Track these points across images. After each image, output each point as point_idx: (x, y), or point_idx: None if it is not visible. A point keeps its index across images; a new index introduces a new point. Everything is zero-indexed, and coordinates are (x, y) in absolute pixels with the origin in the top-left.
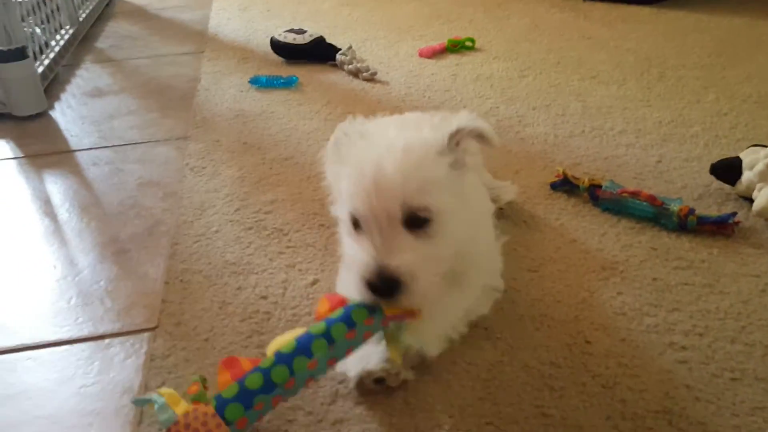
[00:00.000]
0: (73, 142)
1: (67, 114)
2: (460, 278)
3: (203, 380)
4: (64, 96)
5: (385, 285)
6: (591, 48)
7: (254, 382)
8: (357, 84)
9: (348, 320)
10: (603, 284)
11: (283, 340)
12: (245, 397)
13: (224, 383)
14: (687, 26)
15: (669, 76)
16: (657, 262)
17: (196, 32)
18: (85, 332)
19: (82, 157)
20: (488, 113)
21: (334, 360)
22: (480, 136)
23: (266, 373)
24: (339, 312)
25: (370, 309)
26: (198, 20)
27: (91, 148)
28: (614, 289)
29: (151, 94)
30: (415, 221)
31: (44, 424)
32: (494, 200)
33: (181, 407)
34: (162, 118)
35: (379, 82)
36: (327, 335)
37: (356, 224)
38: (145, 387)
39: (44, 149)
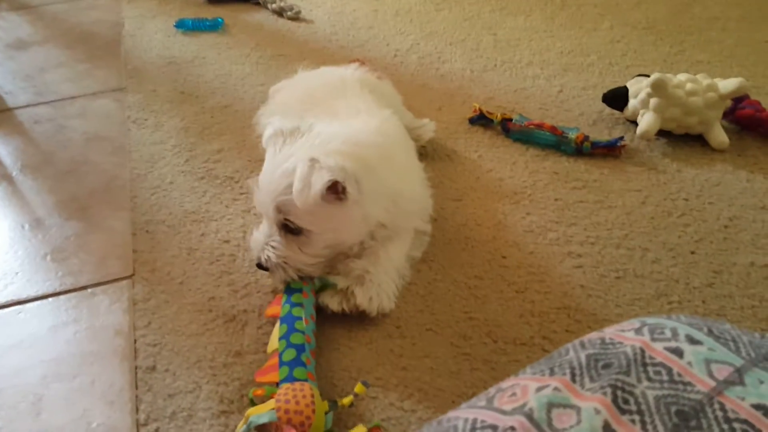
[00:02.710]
0: (9, 100)
1: None
2: (394, 229)
3: (268, 389)
4: None
5: (260, 267)
6: None
7: (290, 354)
8: (282, 24)
9: (293, 290)
10: (515, 207)
11: (274, 335)
12: (295, 363)
13: (272, 375)
14: None
15: (570, 4)
16: (558, 184)
17: None
18: (68, 284)
19: (22, 116)
20: (410, 50)
21: (311, 316)
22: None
23: (290, 345)
24: (285, 304)
25: (298, 291)
26: None
27: (28, 105)
28: (524, 210)
29: (77, 43)
30: (287, 228)
31: (50, 366)
32: (416, 139)
33: (269, 405)
34: (94, 69)
35: (304, 20)
36: (293, 304)
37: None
38: (134, 327)
39: None
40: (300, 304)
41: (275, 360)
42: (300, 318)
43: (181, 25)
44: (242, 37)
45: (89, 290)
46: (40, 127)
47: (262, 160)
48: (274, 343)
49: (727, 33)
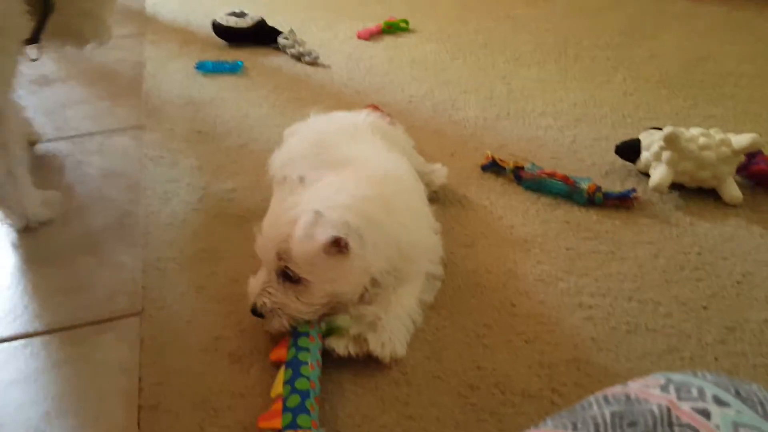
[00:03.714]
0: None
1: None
2: (403, 274)
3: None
4: None
5: (255, 313)
6: (515, 28)
7: (294, 400)
8: (300, 68)
9: (300, 333)
10: (526, 255)
11: (278, 378)
12: (299, 410)
13: (275, 421)
14: (602, 3)
15: (583, 57)
16: (570, 234)
17: (134, 12)
18: (76, 320)
19: (42, 150)
20: (424, 97)
21: (317, 362)
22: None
23: (295, 391)
24: (291, 339)
25: (303, 335)
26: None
27: (48, 140)
28: (535, 258)
29: (99, 81)
30: (286, 275)
31: (53, 402)
32: (428, 184)
33: None
34: (114, 107)
35: (322, 65)
36: (299, 348)
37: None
38: (140, 365)
39: None
40: (306, 349)
41: (279, 405)
42: (306, 363)
43: (201, 66)
44: (261, 80)
45: (97, 326)
46: (58, 162)
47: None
48: (278, 387)
49: (740, 88)
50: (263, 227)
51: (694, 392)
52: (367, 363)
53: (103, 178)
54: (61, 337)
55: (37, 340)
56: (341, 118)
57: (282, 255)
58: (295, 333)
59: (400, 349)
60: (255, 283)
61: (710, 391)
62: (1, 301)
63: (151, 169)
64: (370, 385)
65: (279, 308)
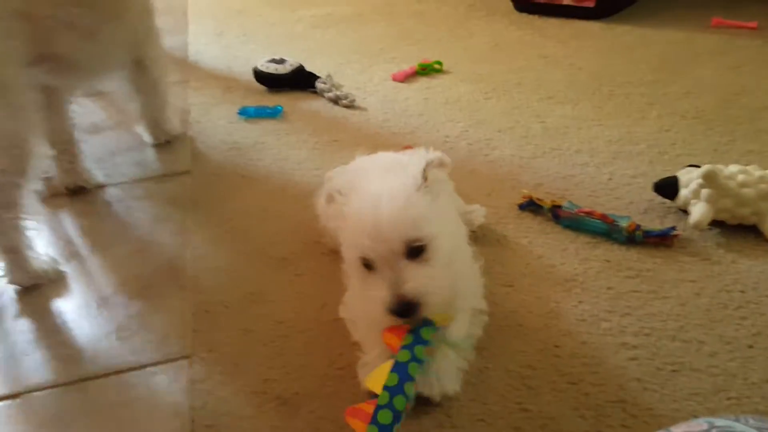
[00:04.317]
0: None
1: None
2: (452, 310)
3: None
4: None
5: (406, 308)
6: (547, 67)
7: (386, 417)
8: (338, 111)
9: (421, 340)
10: (566, 295)
11: (381, 374)
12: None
13: (361, 429)
14: (633, 41)
15: (617, 94)
16: (610, 272)
17: (178, 60)
18: (130, 363)
19: (93, 196)
20: (459, 137)
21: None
22: (440, 164)
23: (391, 407)
24: (409, 338)
25: (429, 325)
26: (177, 47)
27: (100, 186)
28: (576, 298)
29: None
30: (414, 251)
31: None
32: (467, 224)
33: None
34: (161, 153)
35: (358, 108)
36: (415, 359)
37: (367, 265)
38: (191, 408)
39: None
40: (420, 361)
41: (370, 408)
42: (413, 380)
43: (243, 112)
44: (300, 124)
45: (150, 369)
46: (109, 208)
47: (316, 243)
48: (377, 384)
49: None
50: (376, 230)
51: None
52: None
53: (152, 223)
54: (116, 380)
55: (94, 383)
56: (385, 157)
57: (410, 231)
58: (416, 336)
59: (451, 387)
60: (382, 286)
61: None
62: (59, 344)
63: (197, 214)
64: (414, 428)
65: (428, 285)
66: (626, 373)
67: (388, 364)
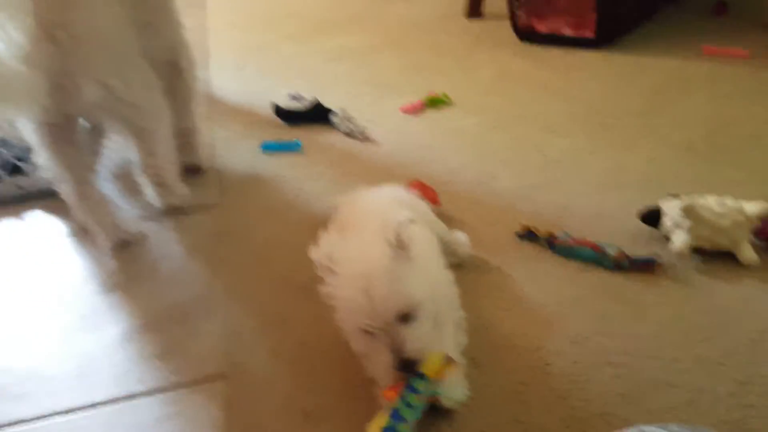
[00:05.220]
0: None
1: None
2: (437, 325)
3: None
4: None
5: (408, 366)
6: (548, 98)
7: None
8: (351, 143)
9: (413, 389)
10: (559, 317)
11: (379, 421)
12: None
13: None
14: (630, 70)
15: (612, 124)
16: (598, 297)
17: (203, 96)
18: (171, 382)
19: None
20: (464, 168)
21: (415, 422)
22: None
23: None
24: (404, 390)
25: (422, 377)
26: (201, 81)
27: (136, 219)
28: (567, 321)
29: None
30: (405, 317)
31: None
32: (452, 256)
33: None
34: (191, 187)
35: (370, 141)
36: (408, 405)
37: (366, 333)
38: (226, 424)
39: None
40: (412, 407)
41: None
42: (406, 421)
43: (265, 146)
44: (317, 157)
45: (189, 388)
46: (145, 243)
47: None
48: (375, 429)
49: (761, 152)
50: (370, 306)
51: None
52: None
53: (185, 254)
54: (161, 398)
55: (140, 401)
56: (369, 207)
57: (398, 307)
58: (409, 386)
59: (462, 394)
60: (385, 350)
61: None
62: (109, 366)
63: (226, 245)
64: None
65: (424, 343)
66: (610, 389)
67: (384, 413)
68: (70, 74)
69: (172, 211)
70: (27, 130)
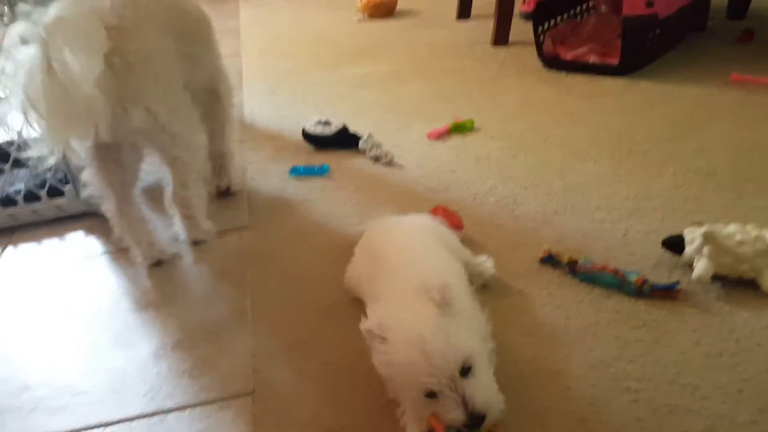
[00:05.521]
0: None
1: None
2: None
3: None
4: None
5: (478, 422)
6: (572, 124)
7: None
8: (378, 169)
9: None
10: (580, 342)
11: None
12: None
13: None
14: (654, 97)
15: (636, 151)
16: (619, 323)
17: (237, 120)
18: (201, 399)
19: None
20: (488, 193)
21: None
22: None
23: None
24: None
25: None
26: (234, 107)
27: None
28: (588, 346)
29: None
30: (465, 370)
31: None
32: (478, 276)
33: None
34: (222, 209)
35: (397, 165)
36: None
37: (429, 395)
38: None
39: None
40: None
41: None
42: None
43: (294, 171)
44: (344, 181)
45: (218, 404)
46: (178, 263)
47: (354, 299)
48: None
49: None
50: (429, 371)
51: None
52: None
53: (215, 275)
54: (189, 414)
55: (171, 416)
56: (396, 224)
57: (457, 361)
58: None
59: (499, 405)
60: (452, 407)
61: None
62: (141, 381)
63: (256, 267)
64: None
65: (491, 395)
66: (628, 414)
67: None
68: (121, 99)
69: (196, 245)
70: (78, 149)
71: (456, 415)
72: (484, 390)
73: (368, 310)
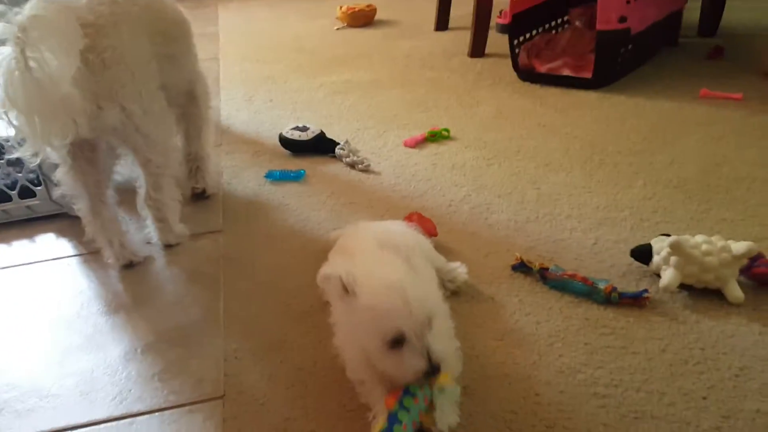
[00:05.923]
0: None
1: None
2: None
3: None
4: None
5: (435, 369)
6: (545, 135)
7: None
8: (354, 175)
9: (408, 392)
10: (549, 348)
11: (378, 425)
12: None
13: None
14: (626, 111)
15: (607, 162)
16: (588, 330)
17: (215, 123)
18: (171, 402)
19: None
20: (462, 201)
21: (414, 422)
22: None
23: None
24: (401, 394)
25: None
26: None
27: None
28: (557, 352)
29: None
30: (430, 321)
31: None
32: (451, 281)
33: None
34: (196, 213)
35: (373, 172)
36: (402, 407)
37: (395, 342)
38: None
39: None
40: (407, 409)
41: None
42: (400, 423)
43: (270, 175)
44: (320, 187)
45: (187, 408)
46: (150, 266)
47: (327, 304)
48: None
49: (752, 192)
50: (409, 313)
51: None
52: None
53: (188, 278)
54: (159, 417)
55: (140, 419)
56: (373, 233)
57: (429, 308)
58: (405, 390)
59: (453, 419)
60: (415, 354)
61: None
62: (110, 384)
63: (230, 270)
64: None
65: (446, 347)
66: (596, 419)
67: (382, 417)
68: (96, 96)
69: (168, 248)
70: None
71: (418, 362)
72: (442, 342)
73: (329, 263)
